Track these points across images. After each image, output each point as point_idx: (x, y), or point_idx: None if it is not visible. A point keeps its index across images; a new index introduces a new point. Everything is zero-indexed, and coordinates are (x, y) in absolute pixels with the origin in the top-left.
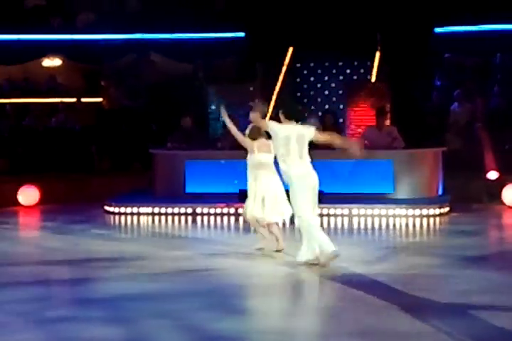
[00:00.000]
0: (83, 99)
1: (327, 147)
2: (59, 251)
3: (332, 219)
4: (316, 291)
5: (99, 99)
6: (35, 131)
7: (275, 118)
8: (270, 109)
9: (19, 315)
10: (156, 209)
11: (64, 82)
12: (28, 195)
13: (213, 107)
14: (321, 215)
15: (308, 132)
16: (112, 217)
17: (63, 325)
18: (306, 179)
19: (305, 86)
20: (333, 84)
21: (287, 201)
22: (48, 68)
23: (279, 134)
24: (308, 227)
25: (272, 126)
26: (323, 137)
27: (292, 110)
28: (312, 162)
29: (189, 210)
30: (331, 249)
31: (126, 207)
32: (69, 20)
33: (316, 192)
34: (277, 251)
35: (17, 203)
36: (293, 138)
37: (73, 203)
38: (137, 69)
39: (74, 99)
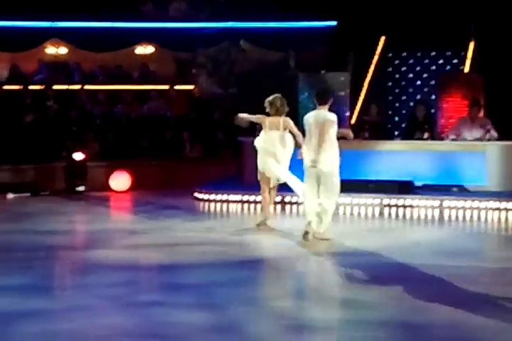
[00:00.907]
0: (175, 87)
1: (419, 138)
2: (148, 237)
3: (423, 210)
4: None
5: (191, 87)
6: (126, 117)
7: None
8: (361, 99)
9: (108, 298)
10: (245, 197)
11: (156, 70)
12: (119, 180)
13: (303, 96)
14: (412, 206)
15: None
16: (201, 203)
17: (151, 310)
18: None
19: (396, 76)
20: (425, 75)
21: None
22: (140, 56)
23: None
24: None
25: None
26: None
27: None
28: (399, 153)
29: (277, 198)
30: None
31: (215, 194)
32: (161, 9)
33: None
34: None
35: (108, 188)
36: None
37: (163, 189)
38: (228, 58)
39: (166, 87)
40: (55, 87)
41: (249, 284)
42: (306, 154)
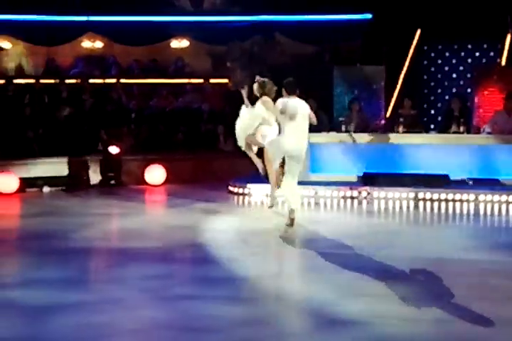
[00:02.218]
0: (210, 81)
1: (455, 132)
2: (183, 230)
3: (458, 204)
4: (443, 283)
5: (226, 81)
6: (161, 111)
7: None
8: (396, 93)
9: (142, 291)
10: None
11: (191, 63)
12: (154, 174)
13: (338, 90)
14: (447, 200)
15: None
16: (235, 197)
17: (185, 303)
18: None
19: (432, 69)
20: (461, 67)
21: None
22: (175, 49)
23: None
24: None
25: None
26: None
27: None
28: (435, 147)
29: (312, 193)
30: None
31: (249, 188)
32: (196, 2)
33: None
34: None
35: (143, 182)
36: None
37: (198, 183)
38: (263, 51)
39: (201, 80)
40: (91, 80)
41: (283, 278)
42: (290, 139)
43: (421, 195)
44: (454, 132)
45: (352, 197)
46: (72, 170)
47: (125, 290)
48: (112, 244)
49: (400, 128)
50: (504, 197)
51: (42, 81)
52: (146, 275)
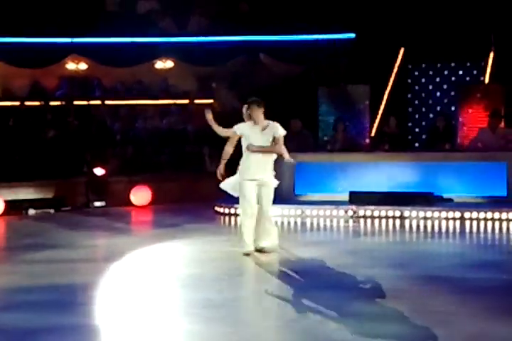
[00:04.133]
0: (195, 101)
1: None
2: (173, 252)
3: (444, 222)
4: (436, 299)
5: (211, 101)
6: (146, 132)
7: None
8: (380, 111)
9: (130, 313)
10: None
11: (176, 84)
12: (140, 195)
13: (323, 109)
14: (432, 218)
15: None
16: (221, 217)
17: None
18: None
19: (416, 87)
20: (445, 86)
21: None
22: (160, 70)
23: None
24: None
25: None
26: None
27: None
28: (419, 165)
29: (298, 212)
30: None
31: (236, 208)
32: (181, 23)
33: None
34: None
35: (129, 203)
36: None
37: (184, 203)
38: (248, 71)
39: (186, 101)
40: (76, 102)
41: (272, 297)
42: (253, 167)
43: (406, 214)
44: (439, 150)
45: (338, 216)
46: (58, 192)
47: (112, 312)
48: (96, 264)
49: (385, 147)
50: (489, 215)
51: (27, 103)
52: (133, 296)
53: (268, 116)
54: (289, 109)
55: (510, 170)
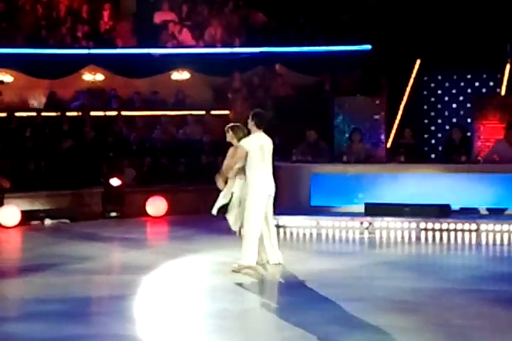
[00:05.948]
0: (211, 112)
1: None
2: (189, 263)
3: (459, 234)
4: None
5: (227, 112)
6: (163, 143)
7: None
8: (396, 123)
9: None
10: (281, 222)
11: (192, 95)
12: (156, 205)
13: (339, 120)
14: (448, 230)
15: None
16: None
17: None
18: None
19: (432, 99)
20: (461, 98)
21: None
22: (176, 81)
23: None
24: None
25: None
26: None
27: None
28: (436, 176)
29: (313, 223)
30: None
31: None
32: (197, 34)
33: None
34: None
35: (145, 214)
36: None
37: (199, 214)
38: (264, 82)
39: (202, 112)
40: (92, 113)
41: (279, 310)
42: (264, 181)
43: (422, 225)
44: (455, 162)
45: (354, 228)
46: (74, 202)
47: (125, 324)
48: (111, 276)
49: (401, 158)
50: (506, 227)
51: (43, 114)
52: (147, 307)
53: (284, 127)
54: (305, 120)
55: None
